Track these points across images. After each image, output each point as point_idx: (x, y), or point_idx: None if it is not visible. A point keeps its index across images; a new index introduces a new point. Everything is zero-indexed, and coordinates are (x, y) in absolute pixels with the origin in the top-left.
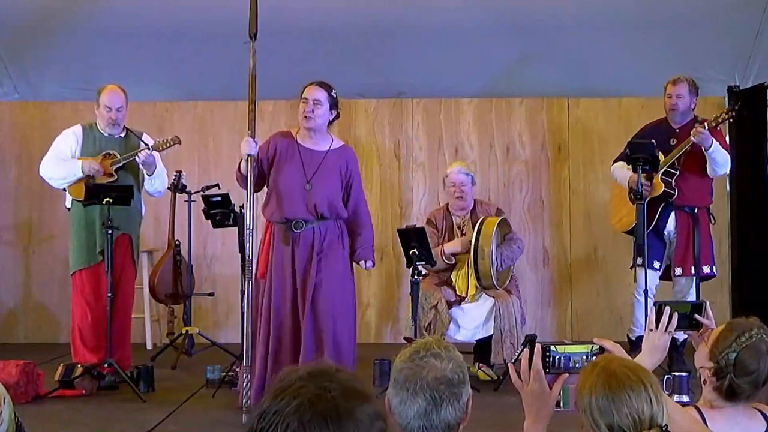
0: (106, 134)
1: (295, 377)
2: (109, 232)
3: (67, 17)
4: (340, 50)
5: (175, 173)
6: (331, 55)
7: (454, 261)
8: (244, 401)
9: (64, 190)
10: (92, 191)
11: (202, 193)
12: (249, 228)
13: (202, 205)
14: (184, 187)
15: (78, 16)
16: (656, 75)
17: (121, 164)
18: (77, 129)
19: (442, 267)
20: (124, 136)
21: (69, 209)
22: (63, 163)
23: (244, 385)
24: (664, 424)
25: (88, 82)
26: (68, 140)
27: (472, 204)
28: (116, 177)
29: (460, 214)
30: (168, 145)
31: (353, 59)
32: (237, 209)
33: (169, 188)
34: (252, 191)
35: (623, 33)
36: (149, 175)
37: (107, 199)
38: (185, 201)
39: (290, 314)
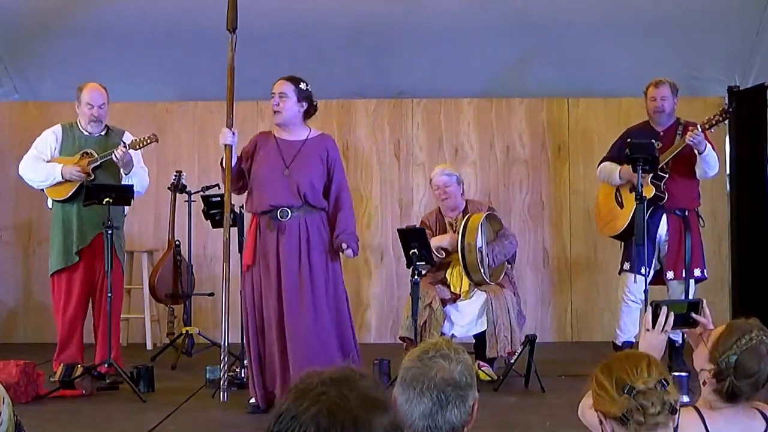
0: (86, 133)
1: (317, 381)
2: (109, 232)
3: (67, 17)
4: (340, 50)
5: (175, 173)
6: (330, 54)
7: (444, 255)
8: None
9: (42, 190)
10: (92, 191)
11: (202, 193)
12: (230, 224)
13: (202, 205)
14: (184, 187)
15: (77, 16)
16: (656, 75)
17: (98, 163)
18: (57, 128)
19: (436, 262)
20: (105, 134)
21: (51, 209)
22: (43, 165)
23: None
24: None
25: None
26: (48, 140)
27: (464, 204)
28: (94, 176)
29: (452, 214)
30: (145, 143)
31: (353, 59)
32: (237, 209)
33: (169, 188)
34: (231, 184)
35: (623, 33)
36: (126, 174)
37: (107, 200)
38: (185, 201)
39: (276, 306)
